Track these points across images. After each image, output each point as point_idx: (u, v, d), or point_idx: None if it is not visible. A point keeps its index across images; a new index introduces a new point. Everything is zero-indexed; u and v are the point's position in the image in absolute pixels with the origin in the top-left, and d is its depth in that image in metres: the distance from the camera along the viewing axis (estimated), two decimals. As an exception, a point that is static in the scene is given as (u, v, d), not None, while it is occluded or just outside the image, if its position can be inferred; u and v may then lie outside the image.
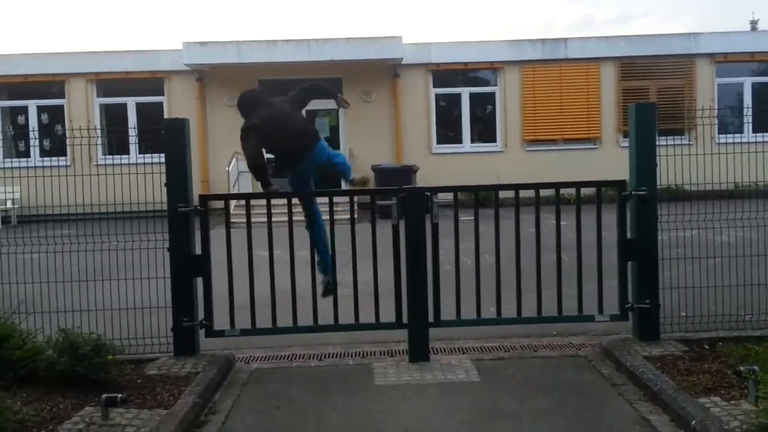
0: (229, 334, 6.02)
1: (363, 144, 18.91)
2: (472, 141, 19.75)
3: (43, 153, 17.45)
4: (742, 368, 4.62)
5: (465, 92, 19.69)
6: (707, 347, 5.65)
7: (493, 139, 19.65)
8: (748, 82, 19.70)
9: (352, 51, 17.99)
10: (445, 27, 50.41)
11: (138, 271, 6.02)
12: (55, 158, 11.11)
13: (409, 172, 17.10)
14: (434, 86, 19.53)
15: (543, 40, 19.58)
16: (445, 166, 18.60)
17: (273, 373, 5.85)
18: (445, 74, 19.69)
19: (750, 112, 15.02)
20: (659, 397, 4.79)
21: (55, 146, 18.49)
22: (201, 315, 5.97)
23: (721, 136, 15.79)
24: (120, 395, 4.59)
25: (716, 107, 18.13)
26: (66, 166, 14.93)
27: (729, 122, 17.45)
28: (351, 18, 48.90)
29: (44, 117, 19.33)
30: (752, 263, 6.22)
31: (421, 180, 17.13)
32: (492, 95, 19.68)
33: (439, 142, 19.54)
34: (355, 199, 6.46)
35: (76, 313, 5.85)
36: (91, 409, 4.69)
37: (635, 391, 5.12)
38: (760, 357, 4.91)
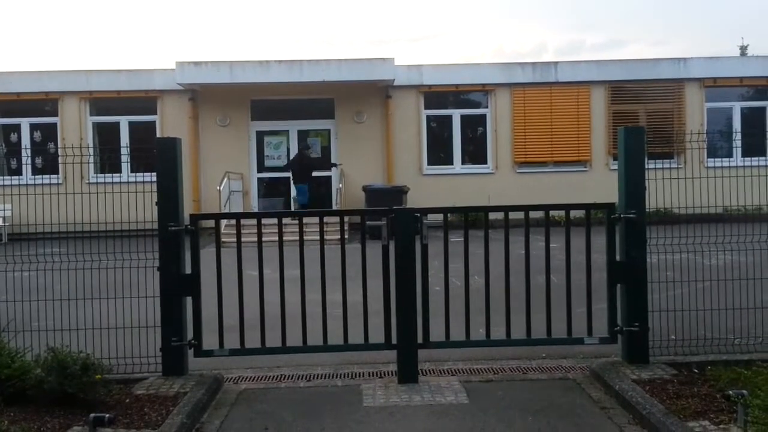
0: (218, 353, 6.01)
1: (354, 164, 18.96)
2: (463, 162, 19.82)
3: (36, 171, 17.41)
4: (731, 392, 4.63)
5: (456, 114, 19.79)
6: (696, 371, 5.67)
7: (483, 161, 19.73)
8: (737, 107, 19.88)
9: (344, 72, 18.08)
10: (436, 49, 50.82)
11: (128, 290, 6.01)
12: (47, 176, 11.09)
13: (400, 192, 17.13)
14: (425, 108, 19.63)
15: (534, 64, 19.74)
16: (436, 187, 18.66)
17: (261, 393, 5.82)
18: (437, 96, 19.81)
19: (739, 137, 15.14)
20: (648, 421, 4.79)
21: (48, 164, 18.44)
22: (190, 334, 5.96)
23: (710, 159, 15.94)
24: (108, 415, 4.57)
25: (705, 131, 18.35)
26: (58, 184, 14.87)
27: (718, 146, 17.57)
28: (343, 39, 49.22)
29: (37, 135, 19.30)
30: (741, 287, 6.24)
31: (412, 201, 17.18)
32: (483, 117, 19.78)
33: (429, 163, 19.59)
34: (346, 219, 6.49)
35: (65, 331, 5.82)
36: (78, 428, 4.67)
37: (624, 414, 5.13)
38: (750, 381, 4.94)
